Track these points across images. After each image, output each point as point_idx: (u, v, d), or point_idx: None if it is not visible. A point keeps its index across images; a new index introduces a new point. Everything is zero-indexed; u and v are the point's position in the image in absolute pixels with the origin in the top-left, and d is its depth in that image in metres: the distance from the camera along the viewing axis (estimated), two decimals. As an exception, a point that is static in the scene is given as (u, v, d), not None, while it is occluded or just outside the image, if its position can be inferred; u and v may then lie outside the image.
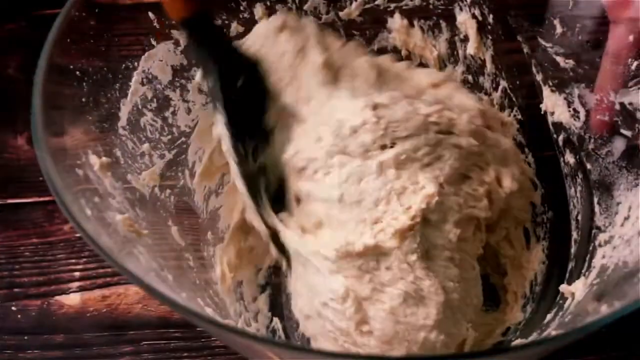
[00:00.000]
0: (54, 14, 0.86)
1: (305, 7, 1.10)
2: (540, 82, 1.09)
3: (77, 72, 0.88)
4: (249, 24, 1.07)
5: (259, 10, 1.07)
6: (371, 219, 0.93)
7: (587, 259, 0.97)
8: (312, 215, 0.97)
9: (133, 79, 0.96)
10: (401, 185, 0.94)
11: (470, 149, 0.99)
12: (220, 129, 0.97)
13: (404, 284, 0.92)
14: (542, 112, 1.10)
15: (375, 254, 0.92)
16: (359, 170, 0.95)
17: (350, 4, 1.11)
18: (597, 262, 0.94)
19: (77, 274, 1.14)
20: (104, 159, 0.87)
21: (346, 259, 0.92)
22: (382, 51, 1.15)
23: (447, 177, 0.97)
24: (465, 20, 1.10)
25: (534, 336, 0.93)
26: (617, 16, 0.93)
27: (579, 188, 1.05)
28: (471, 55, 1.13)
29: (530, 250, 1.10)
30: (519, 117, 1.14)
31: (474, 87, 1.16)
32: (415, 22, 1.13)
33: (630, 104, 0.94)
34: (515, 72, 1.12)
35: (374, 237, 0.92)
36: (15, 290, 1.13)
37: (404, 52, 1.16)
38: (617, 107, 0.96)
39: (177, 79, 1.02)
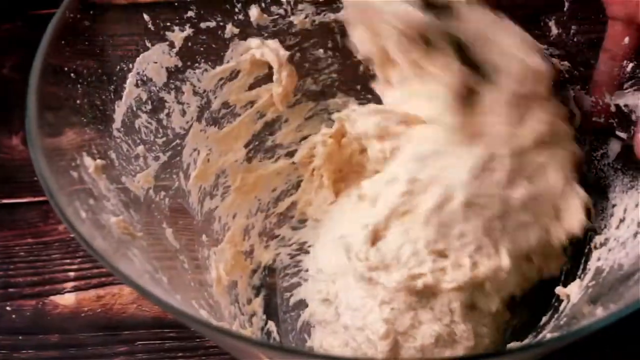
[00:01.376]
0: (51, 14, 0.86)
1: (300, 7, 1.10)
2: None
3: (72, 74, 0.87)
4: (244, 25, 1.07)
5: (254, 11, 1.07)
6: (436, 249, 0.94)
7: (583, 261, 0.98)
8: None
9: (128, 81, 0.96)
10: (481, 242, 0.94)
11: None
12: None
13: (440, 326, 0.93)
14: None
15: (428, 293, 0.93)
16: None
17: (346, 5, 1.11)
18: (593, 264, 0.94)
19: (71, 274, 1.14)
20: (98, 161, 0.87)
21: (402, 292, 0.93)
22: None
23: (521, 253, 0.97)
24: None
25: (529, 339, 0.94)
26: (616, 13, 0.93)
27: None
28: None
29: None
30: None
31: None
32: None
33: (626, 105, 0.94)
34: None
35: (433, 275, 0.92)
36: (10, 290, 1.13)
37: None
38: (613, 108, 0.96)
39: (171, 81, 1.02)
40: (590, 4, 0.97)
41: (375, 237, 0.98)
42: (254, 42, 1.08)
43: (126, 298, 1.12)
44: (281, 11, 1.09)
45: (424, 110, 0.99)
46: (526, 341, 0.93)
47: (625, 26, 0.92)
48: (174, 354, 1.06)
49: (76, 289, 1.13)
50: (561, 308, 0.93)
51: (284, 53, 1.10)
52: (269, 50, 1.09)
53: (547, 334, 0.90)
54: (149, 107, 0.99)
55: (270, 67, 1.10)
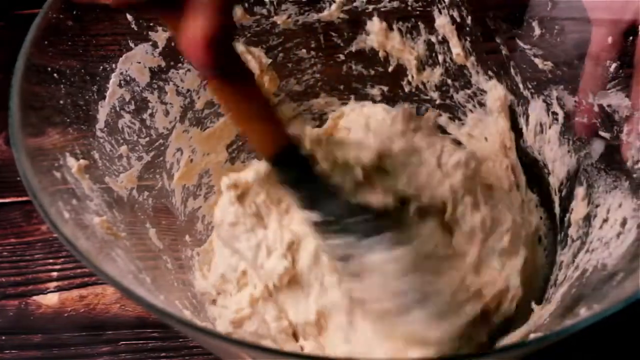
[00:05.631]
0: (34, 14, 0.86)
1: (284, 7, 1.10)
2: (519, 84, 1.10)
3: (55, 74, 0.87)
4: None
5: (237, 12, 1.07)
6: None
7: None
8: None
9: (111, 81, 0.96)
10: None
11: None
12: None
13: None
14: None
15: None
16: None
17: (330, 5, 1.11)
18: (576, 264, 0.95)
19: (54, 274, 1.14)
20: (81, 161, 0.87)
21: None
22: (360, 53, 1.16)
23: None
24: (444, 23, 1.11)
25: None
26: (599, 18, 0.93)
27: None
28: (450, 58, 1.13)
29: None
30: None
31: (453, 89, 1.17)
32: (394, 25, 1.13)
33: (609, 106, 0.95)
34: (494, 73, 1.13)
35: None
36: (-7, 290, 1.13)
37: (382, 54, 1.16)
38: (596, 109, 0.96)
39: (154, 81, 1.02)
40: (573, 4, 0.98)
41: None
42: (238, 47, 1.09)
43: (109, 298, 1.11)
44: (264, 11, 1.09)
45: None
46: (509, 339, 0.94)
47: (608, 29, 0.93)
48: (157, 354, 1.06)
49: (59, 289, 1.13)
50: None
51: (267, 60, 1.11)
52: (252, 58, 1.10)
53: (530, 334, 0.91)
54: (132, 107, 0.99)
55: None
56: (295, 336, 1.00)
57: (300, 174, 0.90)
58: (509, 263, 1.01)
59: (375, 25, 1.13)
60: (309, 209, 0.90)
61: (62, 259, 1.15)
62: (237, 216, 1.01)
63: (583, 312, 0.76)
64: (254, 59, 1.11)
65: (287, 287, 0.99)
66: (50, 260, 1.15)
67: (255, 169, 1.02)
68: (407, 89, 1.19)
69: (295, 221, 1.01)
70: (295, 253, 0.99)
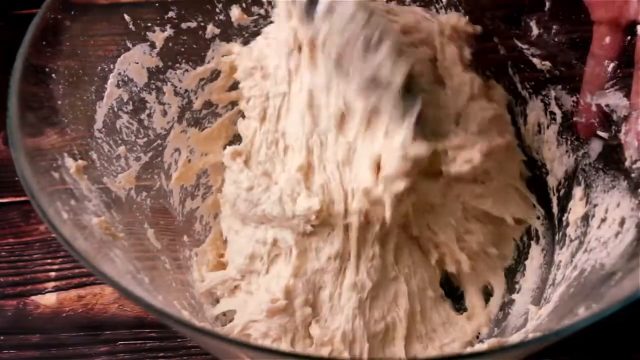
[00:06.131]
0: (32, 14, 0.86)
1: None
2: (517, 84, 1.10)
3: (53, 74, 0.87)
4: (225, 26, 1.08)
5: (235, 12, 1.07)
6: None
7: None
8: None
9: (109, 81, 0.96)
10: None
11: None
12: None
13: None
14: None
15: None
16: None
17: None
18: (574, 263, 0.95)
19: (53, 274, 1.14)
20: (79, 161, 0.87)
21: None
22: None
23: None
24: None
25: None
26: (600, 16, 0.93)
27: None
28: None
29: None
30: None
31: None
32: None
33: (607, 105, 0.95)
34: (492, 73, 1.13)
35: None
36: (-9, 290, 1.13)
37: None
38: (594, 108, 0.96)
39: (152, 82, 1.02)
40: (571, 4, 0.97)
41: None
42: (236, 48, 1.09)
43: (107, 298, 1.11)
44: (262, 11, 1.10)
45: None
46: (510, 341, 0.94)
47: (608, 28, 0.93)
48: (156, 354, 1.06)
49: (57, 289, 1.13)
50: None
51: None
52: None
53: (529, 334, 0.91)
54: (130, 107, 0.99)
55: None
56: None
57: None
58: None
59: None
60: None
61: (60, 259, 1.15)
62: (251, 180, 1.01)
63: (582, 312, 0.76)
64: None
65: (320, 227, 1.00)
66: (49, 260, 1.15)
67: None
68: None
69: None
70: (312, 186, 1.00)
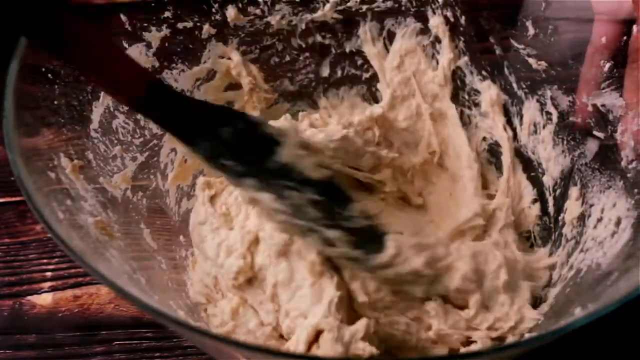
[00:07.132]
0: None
1: (277, 7, 1.10)
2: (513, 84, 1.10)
3: (49, 74, 0.87)
4: (221, 26, 1.08)
5: (231, 12, 1.07)
6: None
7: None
8: None
9: (105, 81, 0.96)
10: None
11: None
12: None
13: None
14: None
15: None
16: None
17: (324, 5, 1.11)
18: (570, 263, 0.95)
19: (49, 274, 1.14)
20: (75, 161, 0.87)
21: None
22: (354, 54, 1.16)
23: None
24: (437, 23, 1.11)
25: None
26: (601, 8, 0.93)
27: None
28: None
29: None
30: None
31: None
32: (387, 25, 1.14)
33: (603, 105, 0.95)
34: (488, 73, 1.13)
35: None
36: (-13, 290, 1.13)
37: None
38: (590, 108, 0.96)
39: (149, 82, 1.02)
40: (567, 4, 0.98)
41: None
42: (235, 56, 1.10)
43: (103, 298, 1.11)
44: (258, 12, 1.10)
45: None
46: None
47: (607, 24, 0.93)
48: (152, 354, 1.06)
49: (53, 289, 1.13)
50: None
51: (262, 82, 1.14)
52: (246, 75, 1.12)
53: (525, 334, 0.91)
54: (126, 107, 0.99)
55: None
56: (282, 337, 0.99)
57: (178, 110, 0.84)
58: (516, 297, 0.98)
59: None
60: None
61: (57, 259, 1.15)
62: (206, 215, 1.03)
63: (578, 312, 0.76)
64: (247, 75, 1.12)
65: (248, 285, 0.99)
66: (45, 260, 1.15)
67: None
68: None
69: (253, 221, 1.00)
70: (255, 253, 0.99)
